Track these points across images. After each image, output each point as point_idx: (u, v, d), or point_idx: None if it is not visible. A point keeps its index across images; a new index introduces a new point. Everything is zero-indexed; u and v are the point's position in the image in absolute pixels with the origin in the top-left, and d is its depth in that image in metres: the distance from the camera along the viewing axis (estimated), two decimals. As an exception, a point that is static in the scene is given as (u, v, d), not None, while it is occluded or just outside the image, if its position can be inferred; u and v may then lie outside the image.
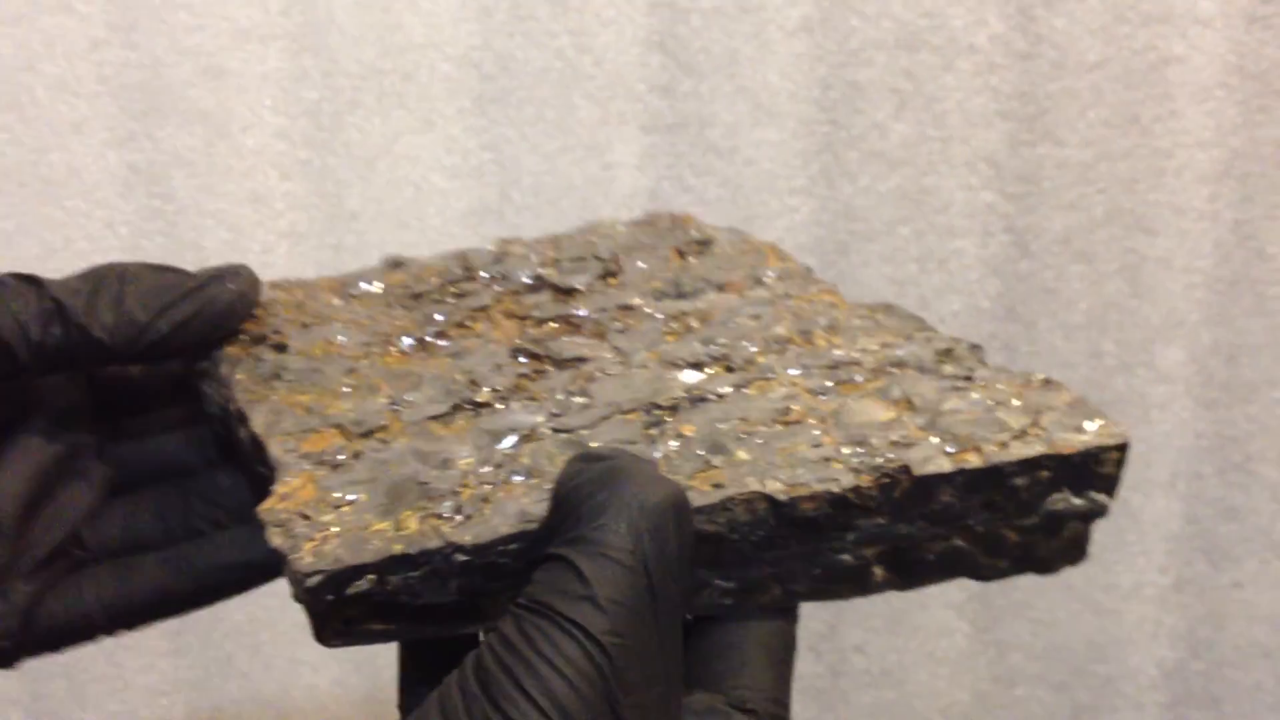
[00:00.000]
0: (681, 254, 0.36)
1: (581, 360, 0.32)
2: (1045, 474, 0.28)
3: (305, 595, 0.25)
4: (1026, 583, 0.61)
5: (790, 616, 0.29)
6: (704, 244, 0.37)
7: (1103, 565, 0.61)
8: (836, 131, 0.56)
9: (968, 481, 0.27)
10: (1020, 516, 0.28)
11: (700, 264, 0.36)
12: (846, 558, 0.28)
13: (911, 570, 0.29)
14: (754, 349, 0.32)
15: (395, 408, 0.30)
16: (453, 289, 0.35)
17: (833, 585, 0.28)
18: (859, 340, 0.32)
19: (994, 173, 0.57)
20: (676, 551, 0.23)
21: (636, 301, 0.34)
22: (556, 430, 0.29)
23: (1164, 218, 0.58)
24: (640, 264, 0.36)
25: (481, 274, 0.36)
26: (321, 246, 0.56)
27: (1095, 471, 0.28)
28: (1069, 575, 0.61)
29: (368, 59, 0.54)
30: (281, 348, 0.33)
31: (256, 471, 0.30)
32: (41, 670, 0.59)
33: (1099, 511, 0.29)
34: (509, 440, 0.29)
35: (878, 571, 0.28)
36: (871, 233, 0.57)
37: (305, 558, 0.25)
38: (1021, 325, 0.58)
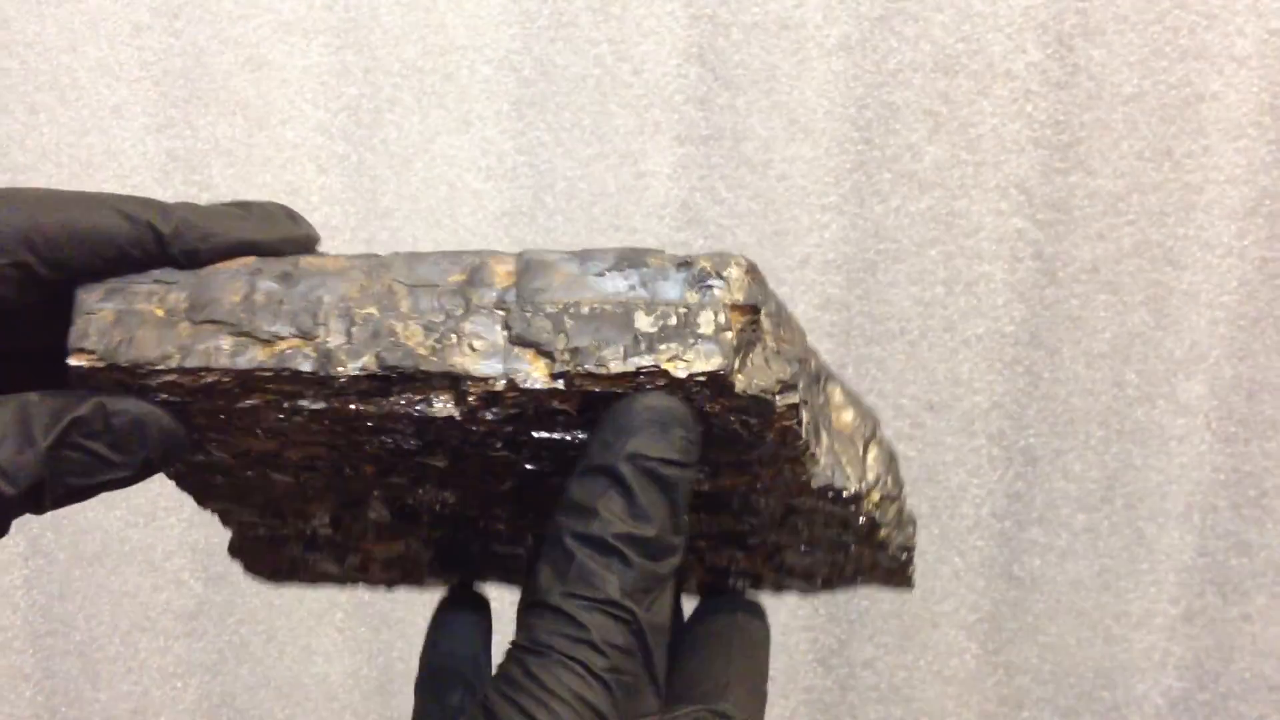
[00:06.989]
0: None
1: None
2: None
3: None
4: (1038, 607, 0.61)
5: (761, 616, 0.32)
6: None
7: (1114, 593, 0.61)
8: (870, 151, 0.57)
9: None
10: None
11: None
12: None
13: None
14: None
15: None
16: None
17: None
18: None
19: (1025, 199, 0.57)
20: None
21: None
22: None
23: (1191, 252, 0.58)
24: None
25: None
26: (355, 241, 0.56)
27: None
28: (1080, 601, 0.62)
29: (409, 57, 0.55)
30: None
31: None
32: (55, 648, 0.59)
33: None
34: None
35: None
36: (900, 253, 0.58)
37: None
38: (1045, 352, 0.59)
